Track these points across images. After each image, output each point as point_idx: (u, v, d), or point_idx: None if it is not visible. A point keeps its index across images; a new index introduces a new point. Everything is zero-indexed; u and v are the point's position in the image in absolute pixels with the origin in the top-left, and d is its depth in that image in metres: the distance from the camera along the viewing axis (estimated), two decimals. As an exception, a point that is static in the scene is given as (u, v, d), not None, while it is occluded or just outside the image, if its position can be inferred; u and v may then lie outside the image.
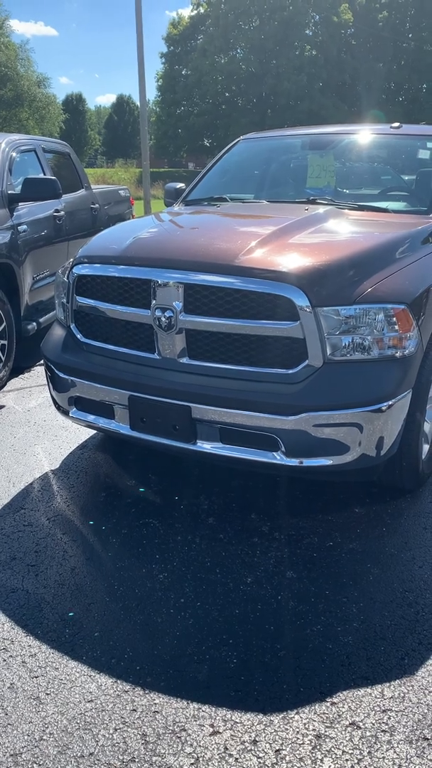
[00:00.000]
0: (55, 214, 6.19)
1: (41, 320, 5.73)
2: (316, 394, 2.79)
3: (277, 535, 3.05)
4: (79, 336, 3.36)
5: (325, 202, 3.82)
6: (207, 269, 2.90)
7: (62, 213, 6.33)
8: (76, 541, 3.00)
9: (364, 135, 4.45)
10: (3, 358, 5.16)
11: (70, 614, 2.51)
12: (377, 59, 48.68)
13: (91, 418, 3.32)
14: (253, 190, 4.55)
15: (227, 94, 51.17)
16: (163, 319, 2.96)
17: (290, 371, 2.83)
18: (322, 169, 4.28)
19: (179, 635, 2.39)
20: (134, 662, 2.26)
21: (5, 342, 5.18)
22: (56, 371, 3.37)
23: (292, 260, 2.89)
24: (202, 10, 50.87)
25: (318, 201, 3.83)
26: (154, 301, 2.98)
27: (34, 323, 5.63)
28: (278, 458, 2.86)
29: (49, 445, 4.04)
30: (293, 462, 2.85)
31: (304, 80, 46.92)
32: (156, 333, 3.02)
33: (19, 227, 5.40)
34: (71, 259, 3.46)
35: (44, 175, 6.22)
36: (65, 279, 3.42)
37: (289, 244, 3.06)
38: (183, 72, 52.07)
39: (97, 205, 7.50)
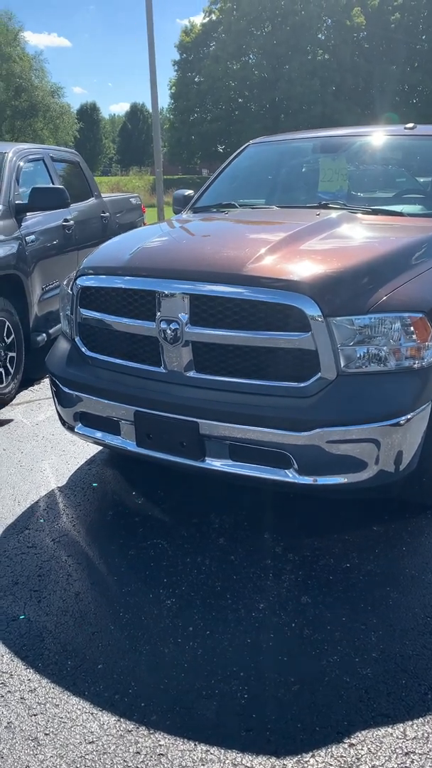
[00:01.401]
0: (64, 223, 6.11)
1: (51, 331, 5.64)
2: (329, 408, 2.65)
3: (290, 556, 2.91)
4: (83, 349, 3.25)
5: (338, 206, 3.69)
6: (213, 279, 2.78)
7: (71, 222, 6.25)
8: (81, 564, 2.88)
9: (378, 136, 4.31)
10: (12, 371, 5.07)
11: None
12: (390, 62, 48.41)
13: (97, 434, 3.21)
14: (264, 195, 4.43)
15: (240, 100, 51.20)
16: (169, 331, 2.84)
17: (302, 384, 2.70)
18: (334, 173, 4.15)
19: (187, 667, 2.26)
20: (139, 698, 2.13)
21: (14, 354, 5.09)
22: (61, 386, 3.26)
23: (302, 268, 2.76)
24: (214, 17, 50.96)
25: (330, 205, 3.70)
26: (158, 313, 2.86)
27: (44, 334, 5.55)
28: (291, 476, 2.72)
29: (57, 460, 3.94)
30: (306, 480, 2.71)
31: (317, 84, 46.77)
32: (162, 346, 2.90)
33: (27, 237, 5.33)
34: (75, 270, 3.36)
35: (53, 184, 6.15)
36: (69, 291, 3.32)
37: (299, 251, 2.93)
38: (196, 79, 52.16)
39: (107, 214, 7.43)
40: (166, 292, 2.84)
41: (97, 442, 3.28)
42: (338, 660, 2.28)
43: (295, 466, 2.70)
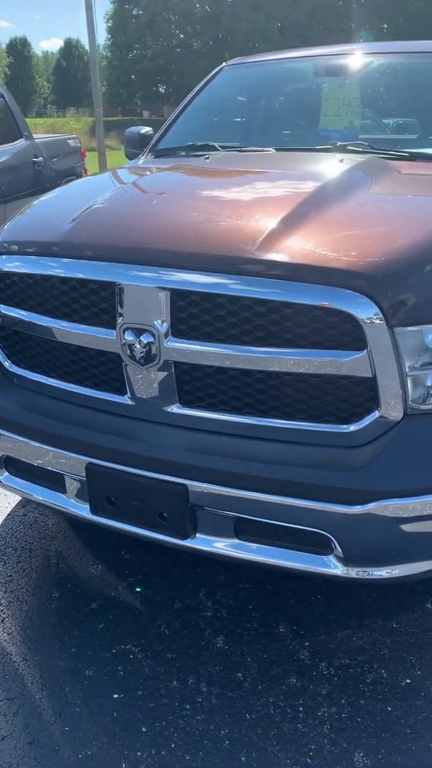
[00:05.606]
0: (-16, 171, 4.89)
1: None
2: (394, 467, 1.71)
3: (323, 667, 2.00)
4: (6, 364, 2.21)
5: (361, 149, 2.66)
6: (207, 265, 1.75)
7: (-6, 169, 5.03)
8: (11, 702, 1.90)
9: (399, 56, 3.24)
10: None
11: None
12: (336, -5, 46.23)
13: (31, 489, 2.19)
14: (248, 133, 3.35)
15: (182, 36, 48.44)
16: (138, 346, 1.82)
17: (350, 428, 1.75)
18: (343, 104, 3.11)
19: None
20: None
21: None
22: (-27, 418, 2.21)
23: (349, 248, 1.76)
24: None
25: (350, 148, 2.66)
26: (121, 318, 1.83)
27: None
28: (331, 566, 1.80)
29: (-20, 499, 2.90)
30: (355, 573, 1.79)
31: (261, 20, 44.46)
32: (126, 366, 1.89)
33: None
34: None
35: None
36: (-19, 275, 2.23)
37: (336, 220, 1.93)
38: (134, 12, 49.00)
39: (40, 159, 6.19)
40: (133, 285, 1.80)
41: (33, 500, 2.26)
42: None
43: (338, 552, 1.77)
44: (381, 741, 1.76)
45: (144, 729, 1.81)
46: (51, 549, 2.58)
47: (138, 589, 2.32)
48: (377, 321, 1.64)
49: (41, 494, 2.16)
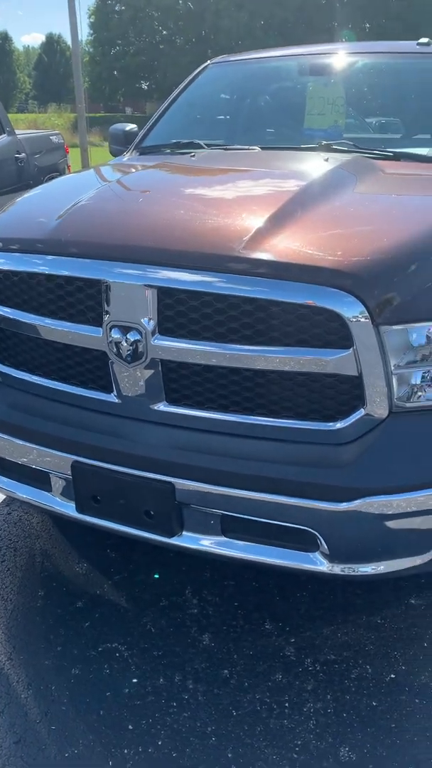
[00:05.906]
0: (-33, 166, 4.85)
1: None
2: (379, 464, 1.73)
3: (309, 663, 2.01)
4: (-9, 362, 2.19)
5: (346, 148, 2.67)
6: (194, 263, 1.76)
7: (-24, 165, 4.98)
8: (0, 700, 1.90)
9: (383, 56, 3.27)
10: None
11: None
12: (321, -7, 46.29)
13: (15, 487, 2.18)
14: (234, 132, 3.35)
15: (165, 32, 48.22)
16: (125, 344, 1.82)
17: (336, 426, 1.76)
18: (327, 103, 3.12)
19: None
20: None
21: None
22: None
23: (334, 246, 1.77)
24: None
25: (335, 147, 2.67)
26: (107, 316, 1.83)
27: None
28: (317, 563, 1.81)
29: (-37, 498, 2.88)
30: (340, 570, 1.81)
31: (245, 17, 44.41)
32: (113, 364, 1.89)
33: None
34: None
35: None
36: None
37: (322, 219, 1.94)
38: (117, 8, 48.72)
39: (23, 155, 6.14)
40: (119, 283, 1.80)
41: (18, 499, 2.24)
42: None
43: (324, 548, 1.78)
44: (366, 735, 1.78)
45: (131, 727, 1.81)
46: (36, 547, 2.56)
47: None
48: (363, 319, 1.65)
49: (26, 492, 2.15)
